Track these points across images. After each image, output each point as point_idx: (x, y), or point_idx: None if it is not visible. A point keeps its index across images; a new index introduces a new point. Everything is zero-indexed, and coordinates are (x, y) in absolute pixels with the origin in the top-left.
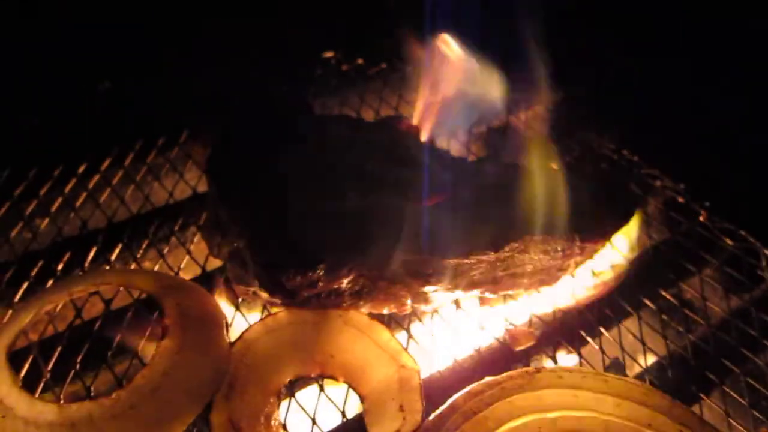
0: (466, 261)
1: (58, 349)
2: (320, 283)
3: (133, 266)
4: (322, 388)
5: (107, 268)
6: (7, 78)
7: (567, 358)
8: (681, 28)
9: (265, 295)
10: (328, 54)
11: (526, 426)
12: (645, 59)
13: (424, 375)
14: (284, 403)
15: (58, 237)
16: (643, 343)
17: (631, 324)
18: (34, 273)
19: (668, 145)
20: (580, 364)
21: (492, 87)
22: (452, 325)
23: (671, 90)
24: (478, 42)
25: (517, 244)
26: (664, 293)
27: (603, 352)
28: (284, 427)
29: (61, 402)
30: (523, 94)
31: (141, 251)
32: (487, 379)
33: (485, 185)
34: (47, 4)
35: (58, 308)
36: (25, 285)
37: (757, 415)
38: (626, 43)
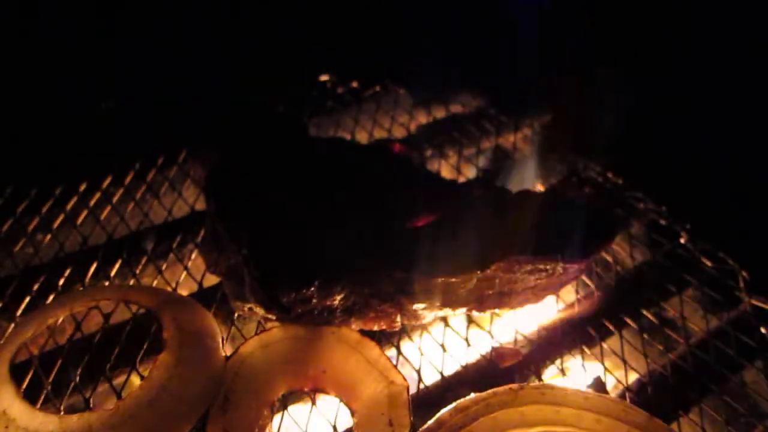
0: (453, 280)
1: (59, 362)
2: (314, 300)
3: (132, 282)
4: (314, 402)
5: (107, 283)
6: (9, 95)
7: (550, 376)
8: (669, 53)
9: (260, 310)
10: (324, 77)
11: None
12: (632, 84)
13: (413, 391)
14: (277, 416)
15: (60, 253)
16: (625, 362)
17: (613, 342)
18: (35, 288)
19: (652, 168)
20: (563, 381)
21: None
22: (440, 342)
23: (655, 114)
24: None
25: (502, 264)
26: (645, 313)
27: (585, 370)
28: None
29: (62, 413)
30: (511, 116)
31: (140, 267)
32: (473, 395)
33: (473, 206)
34: (53, 21)
35: (59, 322)
36: (27, 299)
37: None
38: (615, 68)
